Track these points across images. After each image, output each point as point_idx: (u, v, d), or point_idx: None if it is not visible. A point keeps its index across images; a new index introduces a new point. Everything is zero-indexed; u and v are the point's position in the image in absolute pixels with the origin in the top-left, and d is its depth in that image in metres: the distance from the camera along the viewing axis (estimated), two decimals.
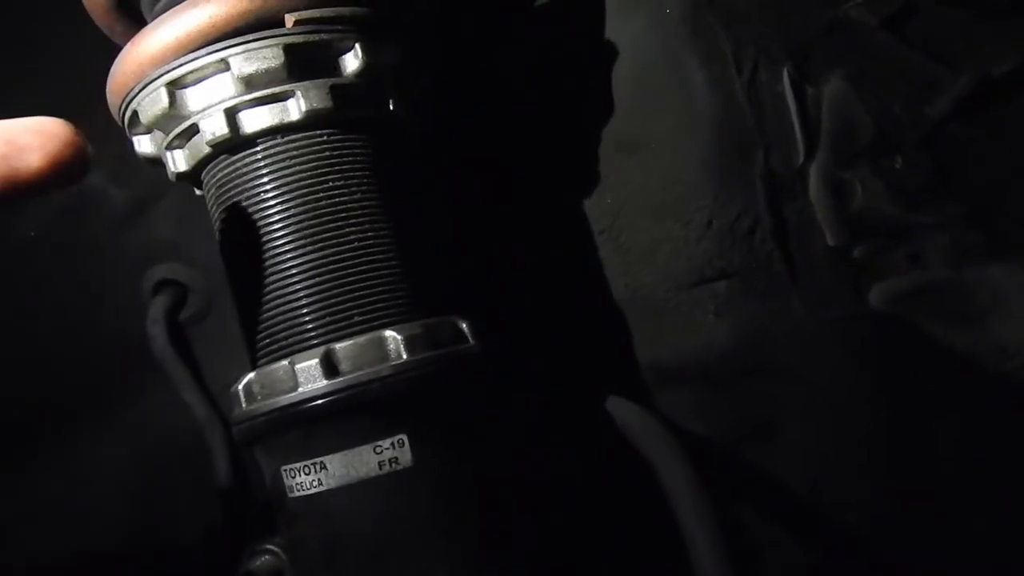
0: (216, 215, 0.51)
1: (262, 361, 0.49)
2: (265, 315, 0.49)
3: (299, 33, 0.48)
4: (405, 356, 0.47)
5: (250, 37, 0.48)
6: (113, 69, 0.51)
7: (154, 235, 0.77)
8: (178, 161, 0.52)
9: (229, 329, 0.56)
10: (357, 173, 0.50)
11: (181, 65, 0.48)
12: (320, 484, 0.46)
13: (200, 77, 0.49)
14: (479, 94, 0.69)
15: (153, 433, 0.76)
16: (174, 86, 0.49)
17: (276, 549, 0.52)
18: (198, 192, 0.55)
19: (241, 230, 0.49)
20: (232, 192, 0.50)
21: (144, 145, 0.54)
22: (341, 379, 0.46)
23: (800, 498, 0.63)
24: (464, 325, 0.51)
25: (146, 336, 0.74)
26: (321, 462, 0.46)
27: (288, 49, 0.48)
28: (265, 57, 0.48)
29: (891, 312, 0.62)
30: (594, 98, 0.65)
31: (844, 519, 0.62)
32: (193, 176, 0.53)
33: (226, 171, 0.50)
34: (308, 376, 0.46)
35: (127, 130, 0.54)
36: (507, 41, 0.68)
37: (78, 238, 0.77)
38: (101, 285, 0.77)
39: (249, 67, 0.48)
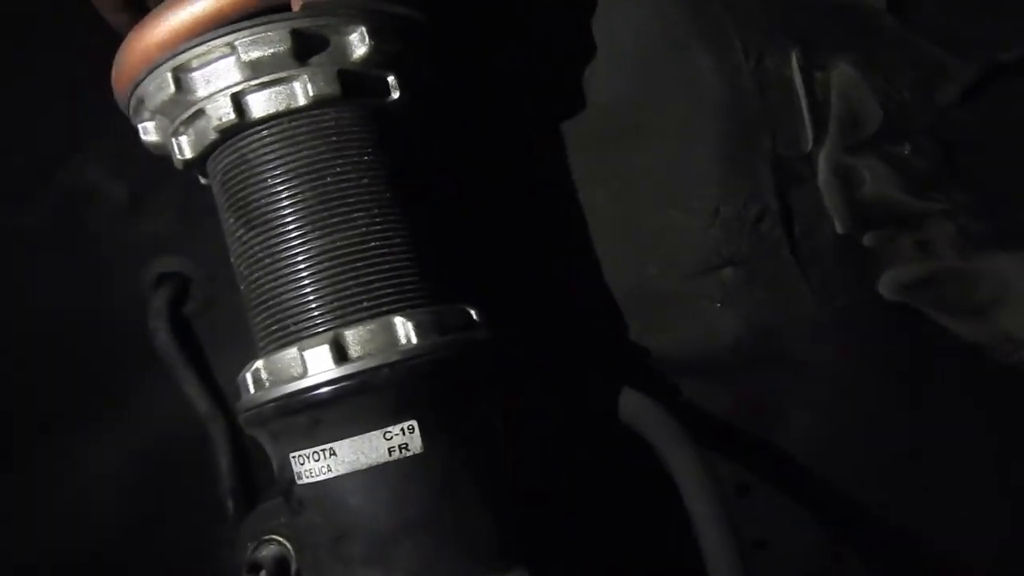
0: (222, 202, 0.51)
1: (270, 348, 0.49)
2: (273, 301, 0.48)
3: (306, 17, 0.48)
4: (415, 341, 0.46)
5: (257, 21, 0.47)
6: (118, 56, 0.51)
7: (154, 228, 0.76)
8: (184, 148, 0.51)
9: (235, 320, 0.56)
10: (364, 159, 0.49)
11: (187, 50, 0.48)
12: (329, 470, 0.46)
13: (206, 62, 0.48)
14: (484, 84, 0.68)
15: (157, 428, 0.75)
16: (180, 71, 0.49)
17: (281, 539, 0.52)
18: (203, 181, 0.54)
19: (248, 216, 0.49)
20: (239, 178, 0.49)
21: (150, 133, 0.53)
22: (350, 364, 0.45)
23: (807, 486, 0.63)
24: (474, 312, 0.51)
25: (148, 330, 0.74)
26: (330, 448, 0.45)
27: (295, 34, 0.48)
28: (272, 41, 0.47)
29: (899, 300, 0.62)
30: (599, 85, 0.65)
31: (851, 507, 0.62)
32: (199, 163, 0.52)
33: (232, 157, 0.49)
34: (317, 362, 0.46)
35: (133, 117, 0.54)
36: (512, 29, 0.67)
37: (77, 232, 0.77)
38: (101, 279, 0.76)
39: (256, 51, 0.47)
